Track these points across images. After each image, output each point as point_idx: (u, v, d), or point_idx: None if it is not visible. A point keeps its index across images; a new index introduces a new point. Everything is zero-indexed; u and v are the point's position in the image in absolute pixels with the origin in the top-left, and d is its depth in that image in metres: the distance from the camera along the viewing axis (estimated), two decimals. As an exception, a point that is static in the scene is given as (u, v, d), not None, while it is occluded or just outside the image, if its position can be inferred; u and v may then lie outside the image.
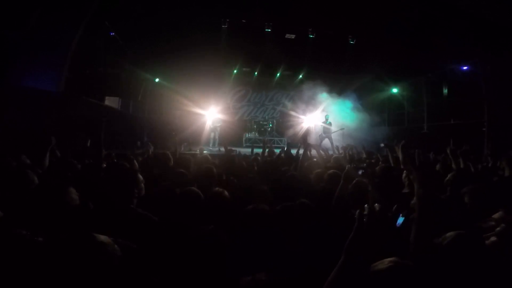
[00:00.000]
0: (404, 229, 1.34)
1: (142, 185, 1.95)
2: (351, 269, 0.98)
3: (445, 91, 10.07)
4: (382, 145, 9.40)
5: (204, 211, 1.90)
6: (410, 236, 1.36)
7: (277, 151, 5.99)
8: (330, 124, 10.58)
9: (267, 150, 5.44)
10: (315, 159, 4.71)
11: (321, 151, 4.66)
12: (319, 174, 3.00)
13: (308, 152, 4.12)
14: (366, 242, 0.99)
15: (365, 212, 1.02)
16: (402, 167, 1.78)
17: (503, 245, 1.26)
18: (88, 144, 4.64)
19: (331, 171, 2.84)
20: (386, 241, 1.05)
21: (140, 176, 1.96)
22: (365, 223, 1.00)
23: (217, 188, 2.02)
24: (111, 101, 9.96)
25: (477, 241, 1.06)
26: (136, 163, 3.01)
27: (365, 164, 3.56)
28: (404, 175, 2.47)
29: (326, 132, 10.34)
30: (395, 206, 1.06)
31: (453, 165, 3.11)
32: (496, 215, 1.55)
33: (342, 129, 10.98)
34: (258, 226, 1.77)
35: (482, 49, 8.22)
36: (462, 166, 3.11)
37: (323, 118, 10.70)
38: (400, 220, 1.29)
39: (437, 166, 3.59)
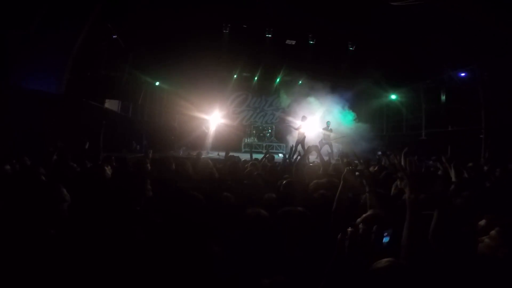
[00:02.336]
0: (390, 248, 1.32)
1: (149, 187, 1.99)
2: None
3: (443, 97, 10.16)
4: (379, 153, 9.46)
5: (207, 215, 1.91)
6: (402, 240, 1.38)
7: (277, 156, 6.02)
8: (331, 130, 10.59)
9: (266, 155, 5.47)
10: (311, 164, 4.74)
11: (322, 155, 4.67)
12: (317, 181, 3.01)
13: (305, 158, 4.14)
14: (348, 266, 0.97)
15: (347, 236, 0.99)
16: (399, 174, 1.81)
17: (497, 247, 1.30)
18: (87, 146, 4.66)
19: (325, 179, 2.87)
20: (370, 263, 1.03)
21: (148, 180, 2.01)
22: (347, 247, 0.97)
23: (225, 193, 2.04)
24: (111, 104, 9.98)
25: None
26: (148, 166, 3.05)
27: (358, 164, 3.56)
28: (404, 181, 2.49)
29: (326, 138, 10.35)
30: (375, 226, 1.04)
31: (451, 173, 3.14)
32: (481, 222, 1.59)
33: (343, 136, 10.99)
34: (257, 229, 1.78)
35: (480, 55, 8.32)
36: (454, 174, 3.14)
37: (324, 124, 10.72)
38: (386, 239, 1.25)
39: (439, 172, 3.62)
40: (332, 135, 10.50)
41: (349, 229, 1.01)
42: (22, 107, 6.01)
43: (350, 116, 12.78)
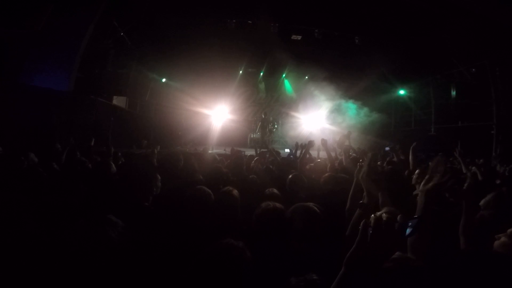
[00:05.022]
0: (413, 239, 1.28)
1: (159, 183, 1.99)
2: (351, 283, 0.92)
3: (453, 93, 9.96)
4: (387, 148, 9.31)
5: (214, 210, 1.90)
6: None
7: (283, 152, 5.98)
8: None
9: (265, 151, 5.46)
10: (319, 160, 4.71)
11: (330, 152, 4.62)
12: (326, 177, 3.00)
13: (306, 154, 4.13)
14: (369, 255, 0.92)
15: (371, 224, 0.94)
16: (411, 168, 1.77)
17: None
18: (92, 143, 4.71)
19: (327, 174, 2.84)
20: (392, 253, 0.99)
21: (158, 176, 1.99)
22: (370, 236, 0.93)
23: (228, 187, 2.02)
24: (118, 101, 10.08)
25: None
26: (155, 162, 3.07)
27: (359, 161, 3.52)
28: (415, 176, 2.46)
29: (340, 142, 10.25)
30: (400, 216, 0.98)
31: (463, 168, 3.09)
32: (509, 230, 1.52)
33: (348, 132, 10.86)
34: (275, 225, 1.73)
35: (492, 50, 8.12)
36: (465, 170, 3.08)
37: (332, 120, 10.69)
38: (408, 230, 1.22)
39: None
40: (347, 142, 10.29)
41: (373, 215, 0.96)
42: (32, 104, 6.11)
43: (354, 110, 12.66)
